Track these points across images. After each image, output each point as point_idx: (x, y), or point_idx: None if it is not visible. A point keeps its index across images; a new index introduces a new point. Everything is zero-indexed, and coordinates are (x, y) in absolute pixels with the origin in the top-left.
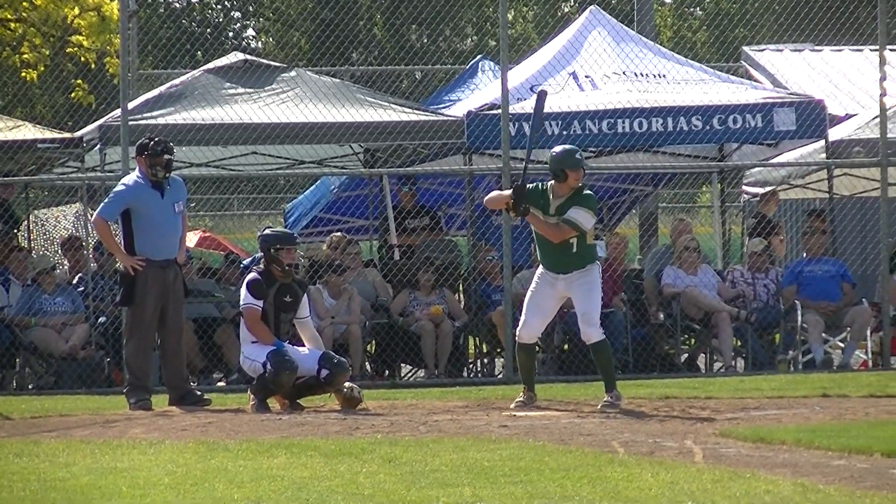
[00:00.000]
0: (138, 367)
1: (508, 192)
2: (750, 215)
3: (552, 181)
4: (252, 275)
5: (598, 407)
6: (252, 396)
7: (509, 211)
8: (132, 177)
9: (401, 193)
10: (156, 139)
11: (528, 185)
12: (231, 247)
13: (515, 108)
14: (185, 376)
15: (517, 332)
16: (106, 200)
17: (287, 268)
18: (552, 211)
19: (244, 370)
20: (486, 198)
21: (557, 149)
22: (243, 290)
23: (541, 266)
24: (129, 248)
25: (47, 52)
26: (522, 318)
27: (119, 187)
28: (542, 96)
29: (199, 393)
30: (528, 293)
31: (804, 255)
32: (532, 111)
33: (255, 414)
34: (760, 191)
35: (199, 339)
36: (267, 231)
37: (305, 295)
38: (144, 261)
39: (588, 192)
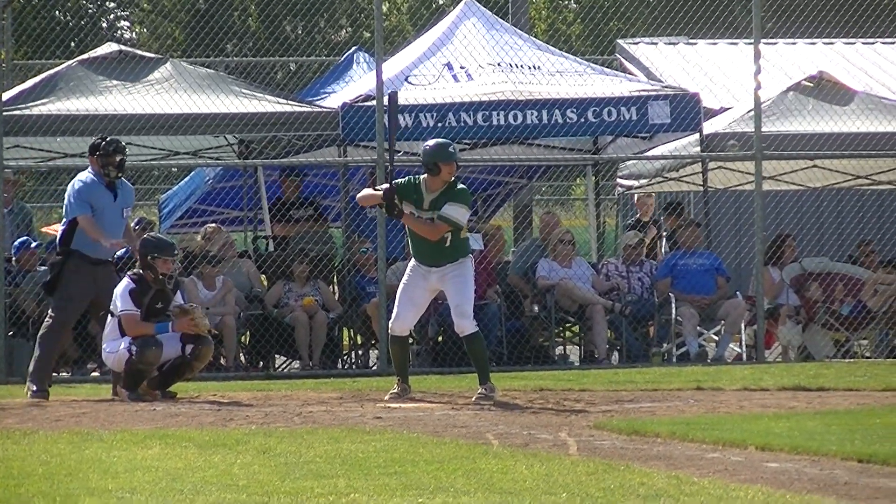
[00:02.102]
0: (46, 353)
1: (380, 192)
2: (624, 210)
3: (425, 175)
4: (128, 282)
5: (473, 399)
6: (122, 392)
7: (382, 208)
8: (87, 174)
9: (285, 184)
10: (108, 139)
11: (401, 180)
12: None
13: None
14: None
15: (390, 325)
16: (71, 202)
17: (160, 276)
18: (426, 205)
19: (109, 366)
20: (359, 196)
21: (430, 142)
22: (121, 295)
23: (413, 259)
24: (65, 242)
25: None
26: (395, 310)
27: (77, 184)
28: (393, 98)
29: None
30: (401, 285)
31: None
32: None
33: (130, 403)
34: (635, 183)
35: (73, 330)
36: (148, 236)
37: (178, 292)
38: (79, 257)
39: (462, 185)
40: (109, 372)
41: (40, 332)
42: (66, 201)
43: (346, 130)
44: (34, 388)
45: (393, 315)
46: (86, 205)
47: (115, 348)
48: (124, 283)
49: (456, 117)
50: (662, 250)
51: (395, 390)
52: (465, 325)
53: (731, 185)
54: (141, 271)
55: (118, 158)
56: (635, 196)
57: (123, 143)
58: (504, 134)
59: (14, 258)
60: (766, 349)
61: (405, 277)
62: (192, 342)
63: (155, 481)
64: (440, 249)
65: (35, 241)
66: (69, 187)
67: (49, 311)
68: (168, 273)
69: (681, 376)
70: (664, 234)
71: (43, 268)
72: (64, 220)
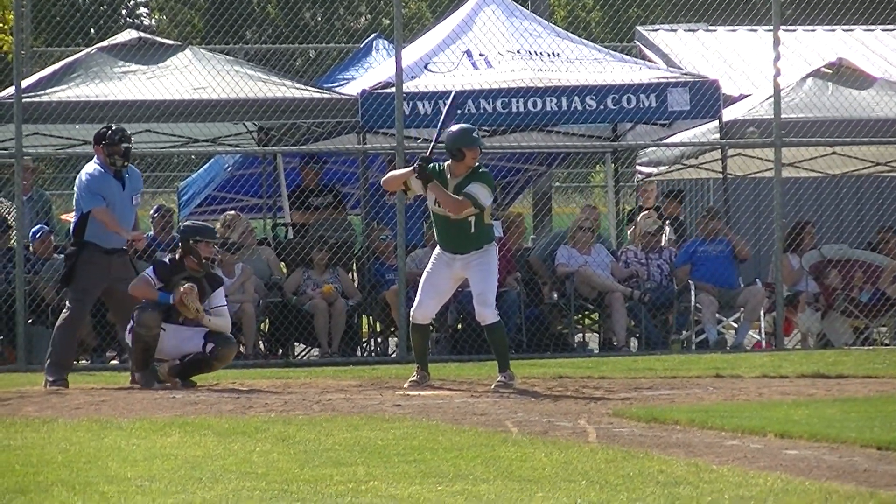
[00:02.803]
0: (63, 344)
1: (407, 169)
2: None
3: (449, 161)
4: (162, 260)
5: (492, 387)
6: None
7: (406, 192)
8: (93, 166)
9: (305, 171)
10: (113, 127)
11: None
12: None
13: (409, 86)
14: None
15: (412, 312)
16: (83, 195)
17: (203, 261)
18: (451, 191)
19: (129, 344)
20: (384, 178)
21: (454, 128)
22: (148, 269)
23: (437, 247)
24: (79, 233)
25: None
26: (418, 298)
27: (84, 176)
28: (457, 97)
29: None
30: (425, 273)
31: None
32: (446, 110)
33: (146, 390)
34: (654, 171)
35: (91, 318)
36: (188, 222)
37: (220, 288)
38: (93, 247)
39: (485, 170)
40: (128, 360)
41: (57, 324)
42: (76, 194)
43: (366, 117)
44: (51, 378)
45: (415, 303)
46: (97, 197)
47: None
48: (157, 259)
49: (475, 104)
50: (665, 238)
51: (415, 378)
52: (487, 314)
53: (751, 173)
54: (182, 256)
55: (124, 147)
56: (636, 183)
57: (129, 132)
58: (523, 121)
59: (31, 245)
60: (785, 336)
61: (429, 266)
62: (214, 341)
63: (174, 469)
64: (465, 236)
65: (49, 229)
66: (77, 180)
67: (66, 303)
68: (210, 256)
69: (700, 364)
70: (667, 221)
71: (61, 256)
72: (75, 212)
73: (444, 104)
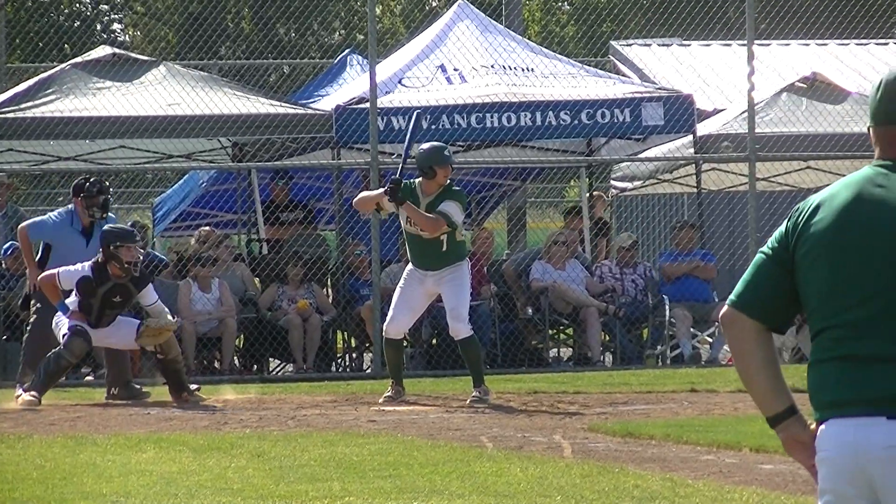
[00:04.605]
0: (33, 355)
1: (379, 191)
2: (618, 212)
3: (420, 178)
4: (84, 272)
5: (468, 402)
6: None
7: (379, 211)
8: (64, 214)
9: (274, 187)
10: (91, 179)
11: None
12: None
13: (384, 101)
14: (128, 371)
15: (385, 327)
16: (37, 219)
17: (126, 265)
18: (423, 209)
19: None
20: (356, 199)
21: (425, 146)
22: (72, 277)
23: (410, 263)
24: (42, 264)
25: None
26: (390, 313)
27: (49, 217)
28: (419, 118)
29: (138, 387)
30: (398, 289)
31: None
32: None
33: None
34: (629, 185)
35: None
36: (108, 227)
37: (149, 285)
38: None
39: (457, 188)
40: (104, 376)
41: (25, 336)
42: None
43: (340, 133)
44: (20, 391)
45: (388, 318)
46: (39, 231)
47: (61, 327)
48: (79, 267)
49: (450, 119)
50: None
51: (390, 393)
52: (461, 328)
53: (725, 187)
54: (104, 262)
55: (102, 199)
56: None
57: (107, 184)
58: (498, 136)
59: (3, 262)
60: None
61: (402, 281)
62: (141, 322)
63: (149, 485)
64: (437, 253)
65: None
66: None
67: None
68: (133, 261)
69: (675, 378)
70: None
71: None
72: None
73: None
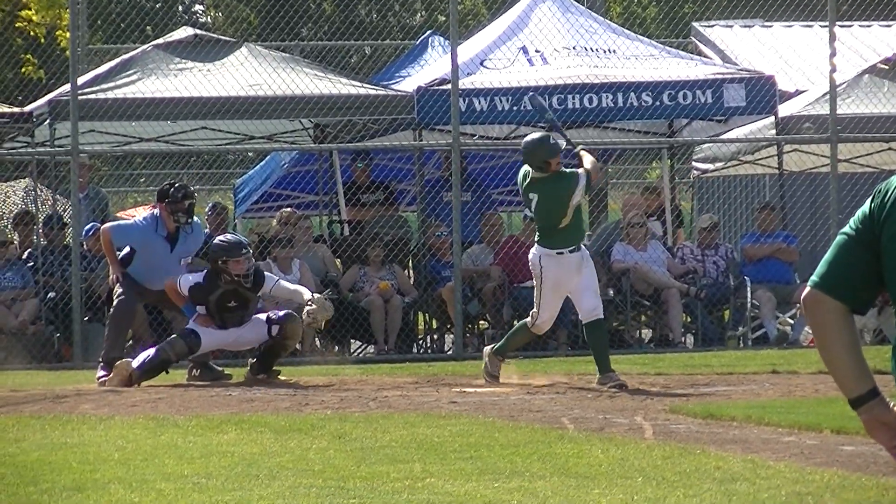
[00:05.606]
0: (116, 334)
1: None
2: (699, 193)
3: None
4: (197, 279)
5: (606, 386)
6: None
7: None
8: (148, 219)
9: (355, 168)
10: (176, 185)
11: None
12: None
13: (465, 83)
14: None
15: (537, 325)
16: (121, 223)
17: (236, 278)
18: (541, 198)
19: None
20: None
21: (529, 140)
22: (185, 285)
23: (549, 253)
24: (125, 262)
25: None
26: (544, 313)
27: (134, 221)
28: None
29: (219, 368)
30: (546, 287)
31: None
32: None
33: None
34: (710, 167)
35: (148, 315)
36: (216, 240)
37: (265, 280)
38: (131, 280)
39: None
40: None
41: (109, 314)
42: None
43: (422, 114)
44: (101, 373)
45: (539, 317)
46: (124, 236)
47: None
48: (192, 280)
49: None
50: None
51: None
52: (600, 307)
53: (807, 168)
54: (215, 273)
55: (188, 204)
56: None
57: (192, 189)
58: (579, 117)
59: (84, 243)
60: None
61: (548, 280)
62: (277, 322)
63: (230, 466)
64: (580, 227)
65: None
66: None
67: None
68: (244, 273)
69: (756, 360)
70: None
71: None
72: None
73: (500, 100)
